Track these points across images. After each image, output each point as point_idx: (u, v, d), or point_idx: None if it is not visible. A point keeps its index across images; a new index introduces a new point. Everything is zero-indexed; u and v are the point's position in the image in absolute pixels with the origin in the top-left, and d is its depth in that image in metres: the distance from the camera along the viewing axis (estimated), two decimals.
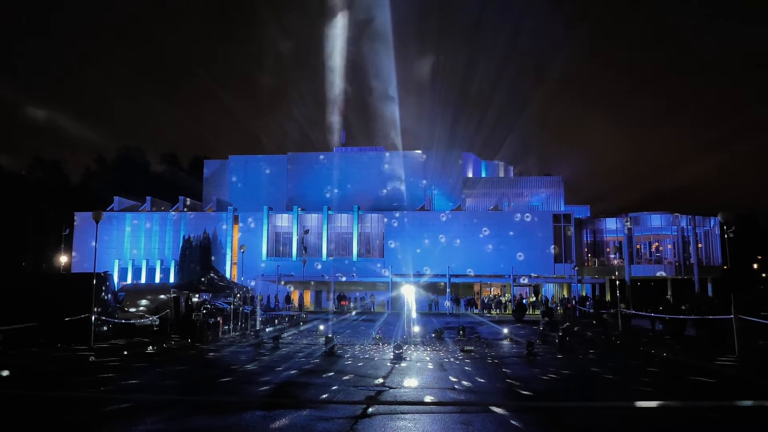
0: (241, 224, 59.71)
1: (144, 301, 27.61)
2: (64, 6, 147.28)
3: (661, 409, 10.69)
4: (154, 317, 25.25)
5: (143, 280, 57.75)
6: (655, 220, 57.44)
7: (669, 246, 58.78)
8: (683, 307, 25.85)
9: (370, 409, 10.40)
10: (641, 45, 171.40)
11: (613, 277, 59.16)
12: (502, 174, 70.72)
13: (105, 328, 22.69)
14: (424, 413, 10.18)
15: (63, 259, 60.28)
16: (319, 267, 56.82)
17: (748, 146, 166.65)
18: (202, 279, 30.84)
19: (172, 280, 56.06)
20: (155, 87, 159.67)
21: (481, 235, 56.38)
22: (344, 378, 14.03)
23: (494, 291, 58.77)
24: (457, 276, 53.94)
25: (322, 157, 67.17)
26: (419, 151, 66.25)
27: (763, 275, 76.13)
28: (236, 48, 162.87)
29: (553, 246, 55.65)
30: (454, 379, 13.88)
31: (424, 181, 64.14)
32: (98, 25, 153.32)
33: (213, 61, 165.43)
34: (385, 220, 58.05)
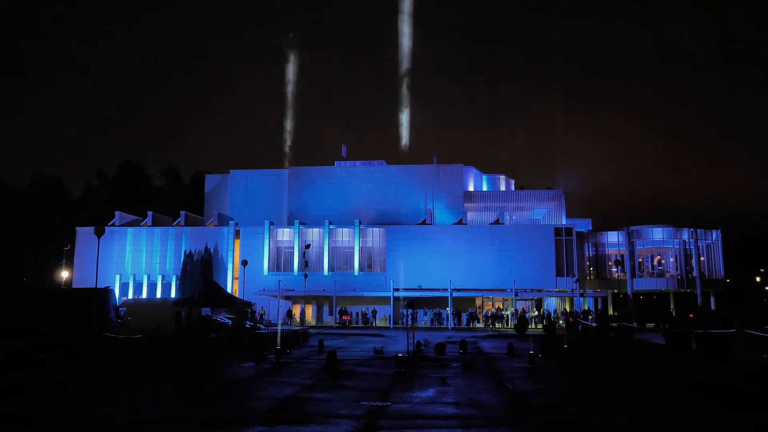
0: (242, 239, 59.64)
1: (145, 317, 27.52)
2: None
3: (666, 424, 10.61)
4: (156, 332, 25.15)
5: (144, 296, 57.60)
6: (657, 233, 57.28)
7: (671, 259, 58.62)
8: (690, 318, 25.74)
9: (372, 424, 10.33)
10: (643, 51, 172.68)
11: (616, 291, 59.02)
12: (503, 187, 70.66)
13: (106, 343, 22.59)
14: (426, 428, 10.11)
15: (64, 274, 60.27)
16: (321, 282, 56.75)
17: (751, 160, 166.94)
18: (204, 294, 30.80)
19: (173, 295, 55.92)
20: (157, 103, 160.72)
21: (482, 249, 56.25)
22: (346, 392, 13.96)
23: (496, 305, 58.54)
24: (458, 290, 53.72)
25: (323, 171, 67.32)
26: (420, 165, 66.32)
27: (766, 288, 75.93)
28: (238, 64, 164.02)
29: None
30: (457, 394, 13.80)
31: (425, 195, 64.23)
32: (95, 41, 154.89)
33: (215, 75, 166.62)
34: (387, 234, 58.01)
